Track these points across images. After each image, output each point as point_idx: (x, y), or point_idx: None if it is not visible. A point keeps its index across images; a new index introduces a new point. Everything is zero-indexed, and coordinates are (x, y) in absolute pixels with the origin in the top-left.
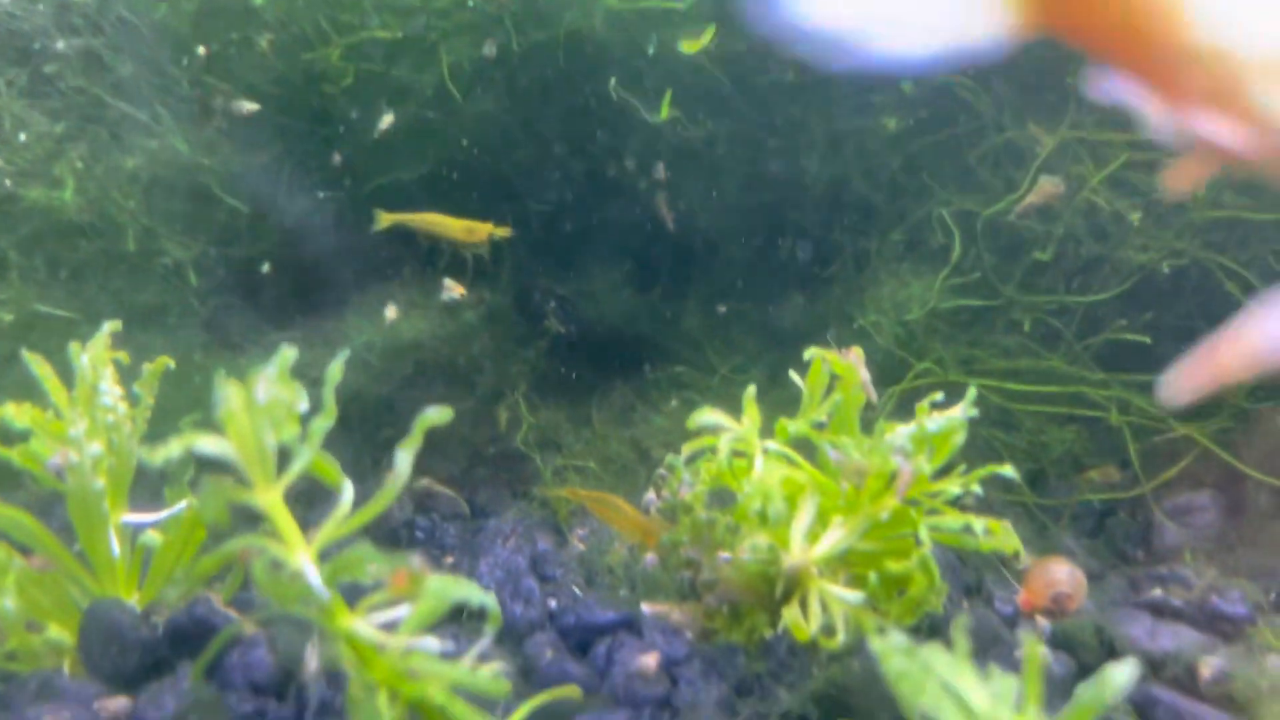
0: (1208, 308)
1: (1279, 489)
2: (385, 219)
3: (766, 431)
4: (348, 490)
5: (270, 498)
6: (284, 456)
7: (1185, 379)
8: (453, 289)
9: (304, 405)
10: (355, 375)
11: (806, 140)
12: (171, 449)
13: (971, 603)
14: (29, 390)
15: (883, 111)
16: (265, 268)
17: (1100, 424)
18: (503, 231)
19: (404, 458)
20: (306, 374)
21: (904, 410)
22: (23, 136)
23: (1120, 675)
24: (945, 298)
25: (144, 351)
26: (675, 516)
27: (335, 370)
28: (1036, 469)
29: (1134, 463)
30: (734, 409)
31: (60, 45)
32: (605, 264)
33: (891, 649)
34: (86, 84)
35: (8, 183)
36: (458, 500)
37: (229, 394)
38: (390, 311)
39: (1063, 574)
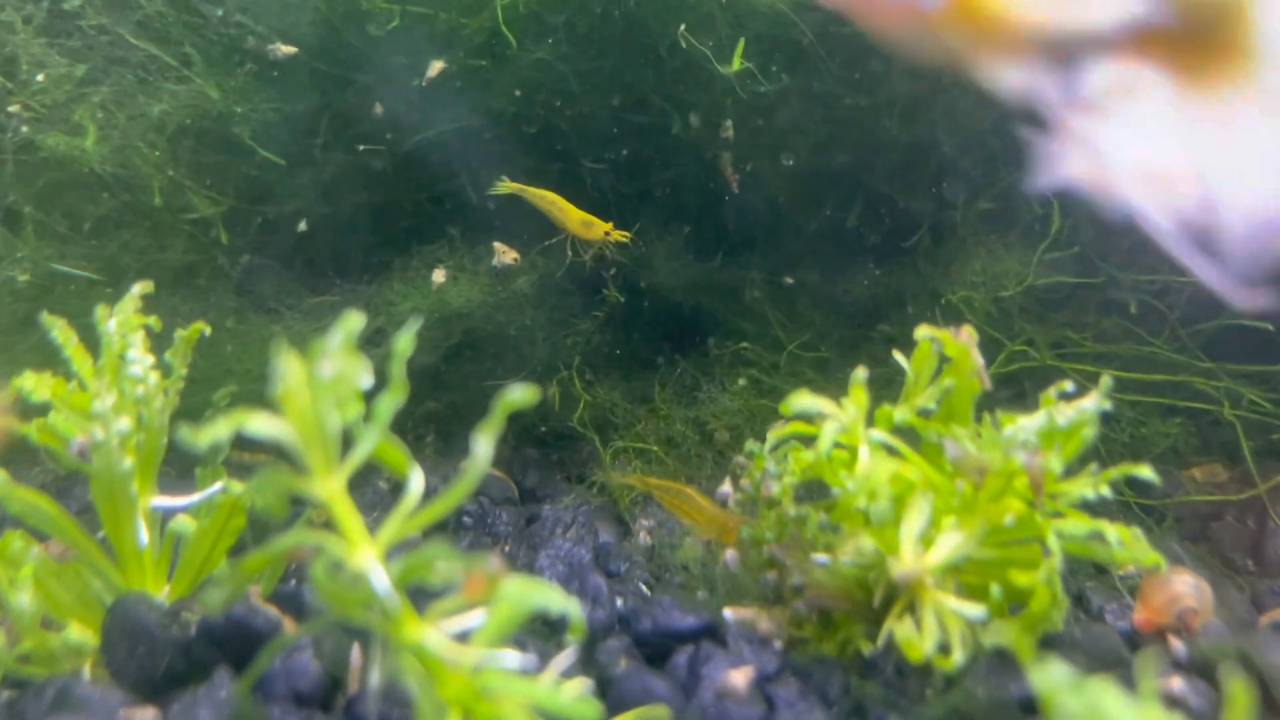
0: None
1: None
2: (507, 185)
3: (869, 420)
4: (416, 479)
5: (332, 487)
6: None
7: None
8: (505, 254)
9: (369, 379)
10: (420, 324)
11: (889, 97)
12: (218, 430)
13: (1082, 616)
14: (47, 358)
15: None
16: (301, 226)
17: (1207, 418)
18: (621, 236)
19: (483, 445)
20: None
21: (994, 396)
22: (40, 78)
23: None
24: (1040, 274)
25: (171, 316)
26: (755, 510)
27: (405, 342)
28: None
29: (1248, 461)
30: (802, 388)
31: None
32: (665, 229)
33: (1058, 684)
34: (110, 22)
35: (24, 129)
36: (507, 483)
37: (289, 368)
38: (438, 275)
39: (1187, 587)
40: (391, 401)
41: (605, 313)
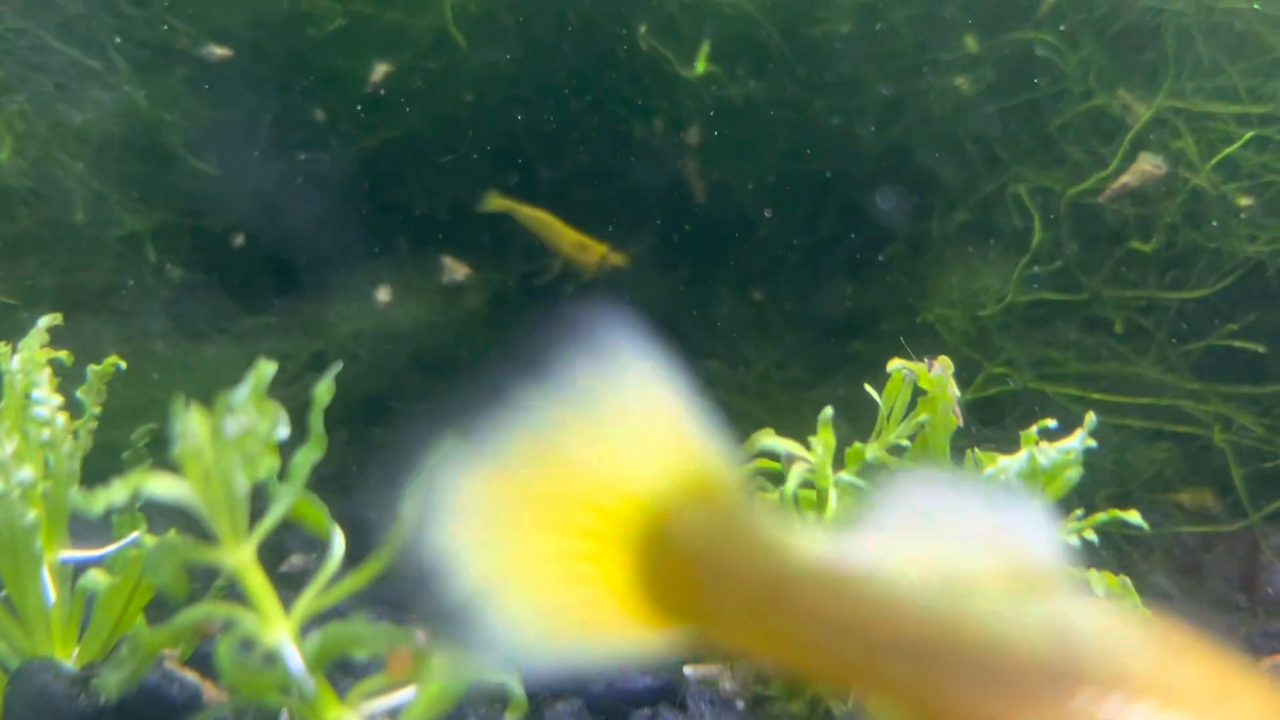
0: None
1: None
2: (495, 202)
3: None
4: (337, 543)
5: (241, 556)
6: (259, 494)
7: None
8: (455, 269)
9: (284, 431)
10: (341, 368)
11: (861, 103)
12: (114, 494)
13: None
14: None
15: (950, 71)
16: (237, 240)
17: (1196, 443)
18: (616, 259)
19: (411, 509)
20: (284, 369)
21: (971, 420)
22: None
23: None
24: (1021, 290)
25: (94, 342)
26: None
27: (323, 391)
28: (1121, 492)
29: (1239, 490)
30: (772, 410)
31: None
32: (627, 240)
33: None
34: (29, 24)
35: None
36: None
37: (189, 428)
38: (382, 294)
39: None
40: (310, 456)
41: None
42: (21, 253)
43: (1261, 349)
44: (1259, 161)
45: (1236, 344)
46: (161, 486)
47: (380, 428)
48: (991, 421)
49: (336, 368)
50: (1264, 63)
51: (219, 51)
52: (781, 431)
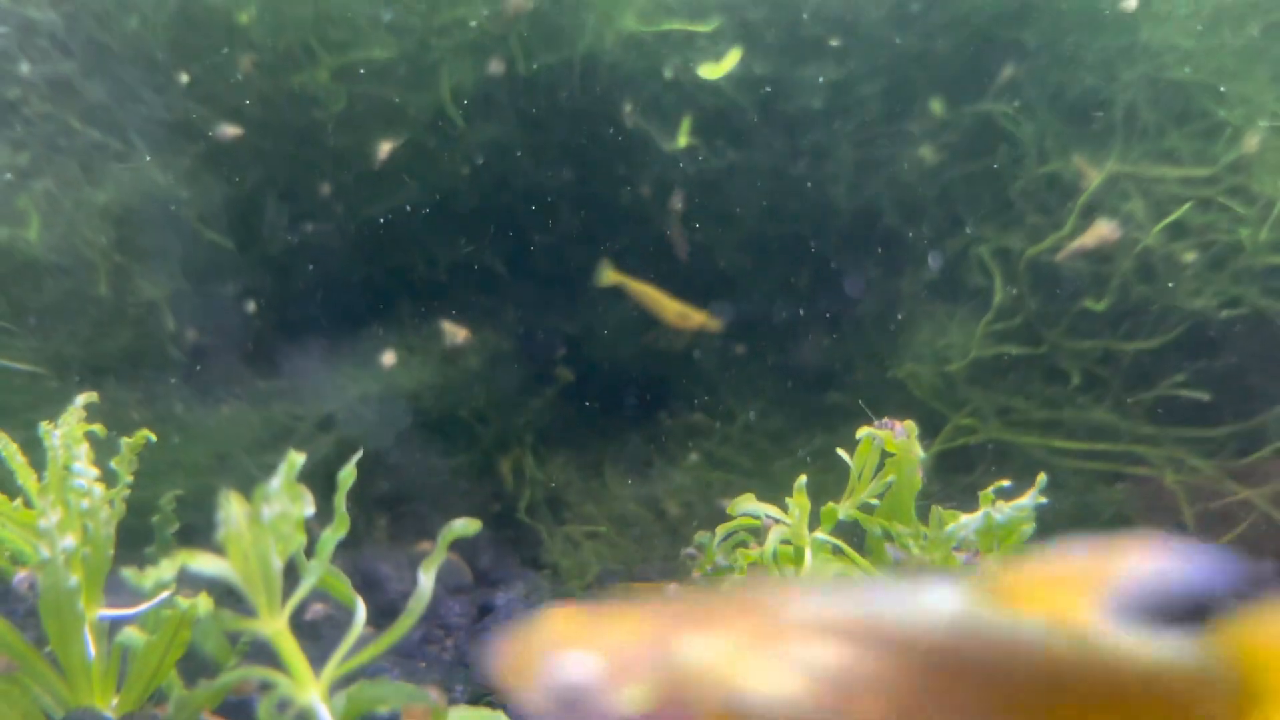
0: (1265, 359)
1: None
2: (610, 275)
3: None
4: (360, 612)
5: (276, 625)
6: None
7: None
8: (454, 333)
9: (310, 510)
10: (349, 428)
11: (833, 170)
12: (163, 571)
13: None
14: None
15: (915, 140)
16: (250, 307)
17: (1152, 484)
18: (714, 324)
19: (426, 580)
20: (296, 430)
21: (941, 468)
22: None
23: None
24: (985, 344)
25: (118, 406)
26: None
27: (347, 475)
28: (1083, 532)
29: (1189, 527)
30: (755, 460)
31: (25, 69)
32: (616, 301)
33: None
34: (54, 110)
35: None
36: (461, 567)
37: (231, 514)
38: (387, 358)
39: None
40: (335, 536)
41: (556, 389)
42: (49, 323)
43: (1206, 396)
44: (1203, 221)
45: (1183, 392)
46: (206, 564)
47: (386, 482)
48: (962, 469)
49: (358, 454)
50: (1205, 128)
51: (231, 131)
52: (764, 477)
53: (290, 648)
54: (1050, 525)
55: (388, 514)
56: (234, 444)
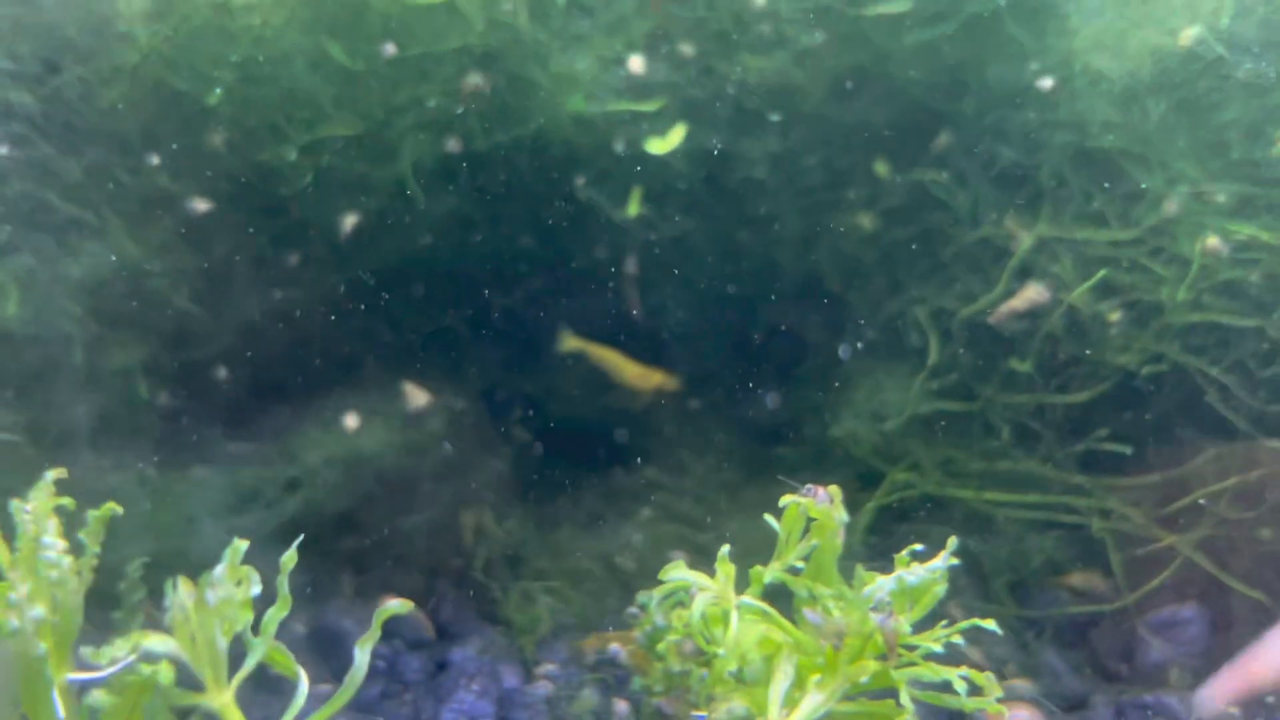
0: (1188, 410)
1: (1264, 603)
2: (571, 342)
3: (741, 577)
4: (302, 684)
5: (222, 700)
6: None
7: (1221, 690)
8: (415, 395)
9: (256, 589)
10: (313, 490)
11: (777, 236)
12: (117, 650)
13: None
14: None
15: (856, 207)
16: (221, 373)
17: (1083, 530)
18: (672, 384)
19: (362, 657)
20: (262, 493)
21: (881, 521)
22: None
23: None
24: (922, 400)
25: (91, 471)
26: (647, 659)
27: (289, 559)
28: (1017, 578)
29: (1116, 572)
30: (707, 511)
31: (4, 150)
32: (572, 362)
33: None
34: (32, 188)
35: None
36: (421, 622)
37: (179, 598)
38: (350, 421)
39: None
40: (278, 615)
41: (515, 448)
42: (26, 392)
43: (1128, 450)
44: (1128, 281)
45: (1109, 445)
46: (156, 644)
47: (349, 540)
48: (901, 518)
49: (298, 540)
50: (1128, 191)
51: (201, 205)
52: (714, 530)
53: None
54: (983, 572)
55: (351, 570)
56: (202, 507)
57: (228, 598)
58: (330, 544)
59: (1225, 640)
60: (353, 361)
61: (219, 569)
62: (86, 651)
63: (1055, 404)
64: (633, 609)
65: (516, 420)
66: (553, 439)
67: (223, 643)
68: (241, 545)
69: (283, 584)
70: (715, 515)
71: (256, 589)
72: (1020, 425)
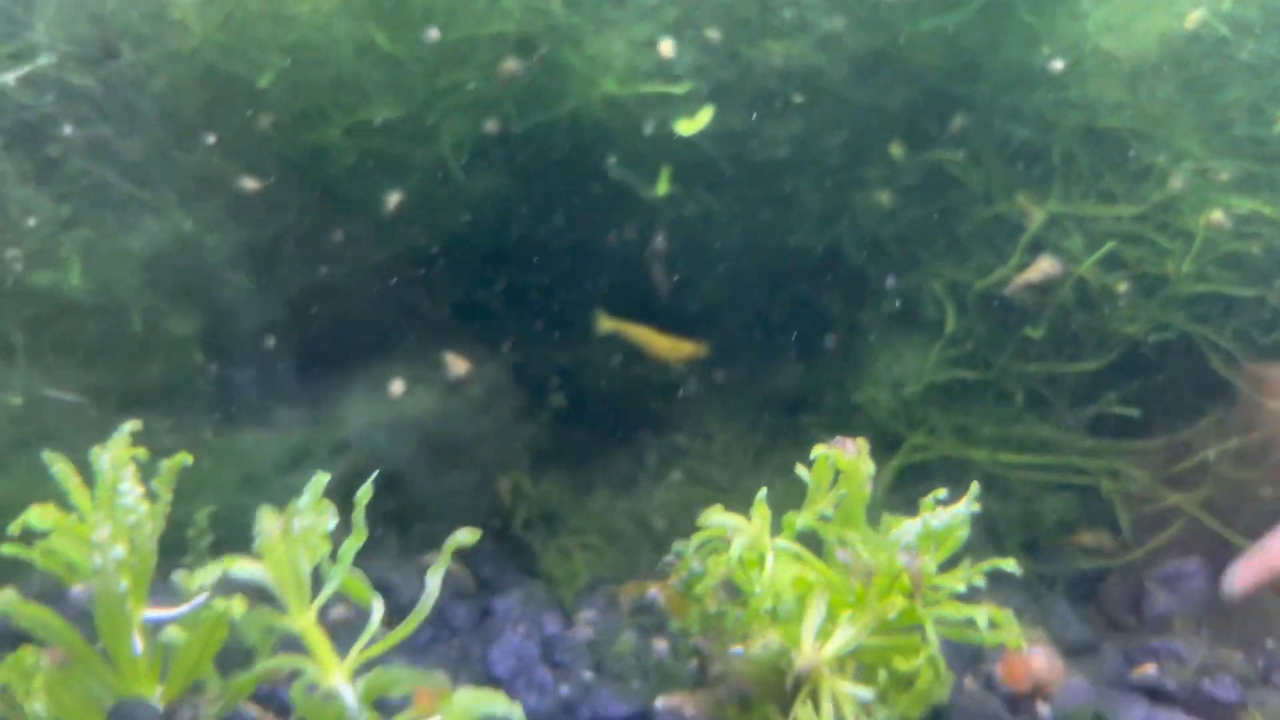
0: (1192, 378)
1: None
2: (606, 323)
3: (775, 524)
4: (377, 610)
5: (305, 622)
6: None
7: (1243, 572)
8: (456, 364)
9: (333, 522)
10: (360, 453)
11: (800, 213)
12: (209, 573)
13: (974, 684)
14: (40, 476)
15: (875, 185)
16: (270, 342)
17: (1092, 491)
18: (701, 356)
19: (434, 581)
20: (314, 454)
21: (900, 483)
22: (31, 221)
23: None
24: (939, 369)
25: (152, 434)
26: (684, 603)
27: (364, 493)
28: (1030, 537)
29: (1125, 530)
30: (734, 476)
31: (68, 130)
32: (606, 337)
33: None
34: (92, 166)
35: (17, 267)
36: (465, 576)
37: (268, 526)
38: (396, 387)
39: (1040, 661)
40: (354, 545)
41: (551, 414)
42: (90, 359)
43: (1136, 413)
44: (1134, 255)
45: (1117, 410)
46: (245, 569)
47: (396, 500)
48: (921, 481)
49: (375, 475)
50: (1136, 170)
51: (251, 184)
52: (740, 493)
53: (318, 639)
54: (999, 531)
55: (397, 529)
56: (258, 466)
57: (310, 526)
58: (376, 504)
59: None
60: (396, 333)
61: (304, 498)
62: (178, 576)
63: (1066, 372)
64: (669, 557)
65: (552, 389)
66: (586, 407)
67: (306, 568)
68: (323, 478)
69: (359, 517)
70: (742, 478)
71: (334, 522)
72: (1033, 392)
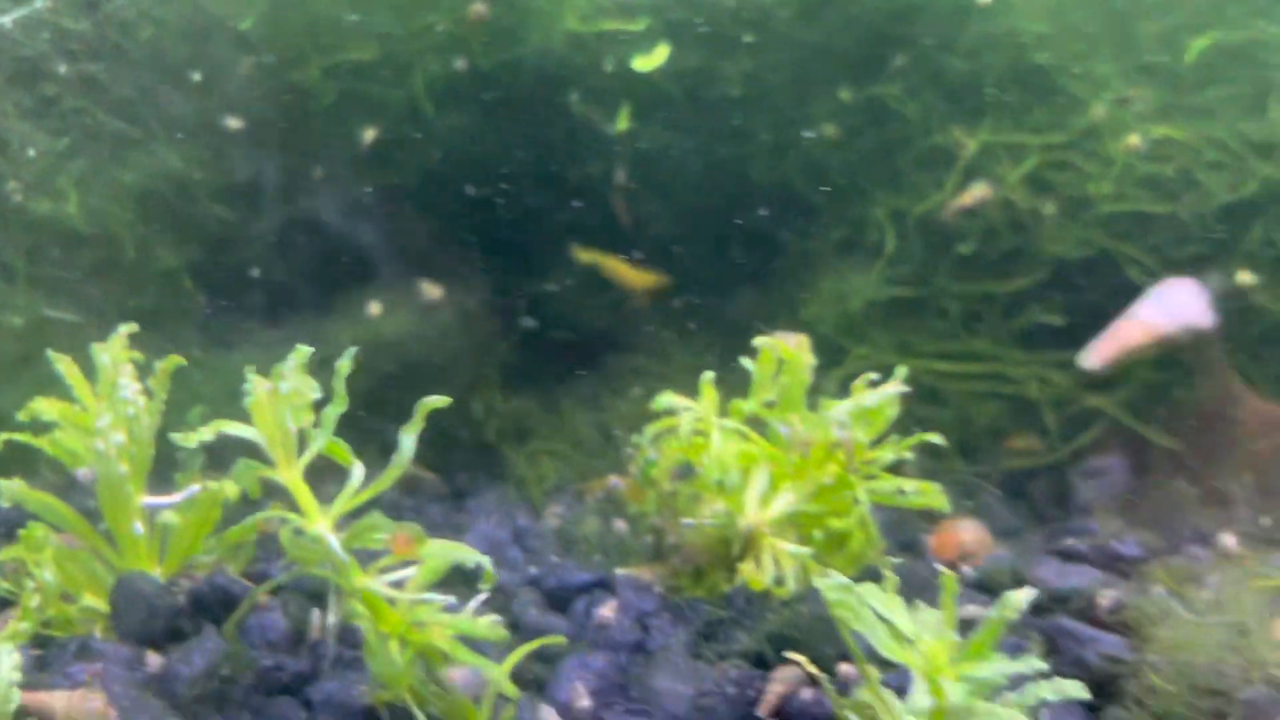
0: (1115, 291)
1: (1176, 451)
2: (583, 255)
3: (724, 413)
4: (358, 469)
5: (292, 476)
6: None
7: (1098, 350)
8: (430, 291)
9: (316, 394)
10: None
11: (752, 147)
12: (204, 433)
13: (907, 557)
14: (44, 388)
15: (821, 120)
16: (254, 271)
17: (1022, 398)
18: (664, 284)
19: (408, 440)
20: None
21: (845, 393)
22: (31, 153)
23: (1017, 597)
24: (881, 289)
25: (146, 352)
26: (642, 489)
27: (345, 364)
28: (965, 440)
29: (1051, 432)
30: (692, 394)
31: (62, 69)
32: (570, 264)
33: (832, 585)
34: (86, 104)
35: (17, 197)
36: (440, 484)
37: (257, 385)
38: (373, 308)
39: (967, 532)
40: (336, 410)
41: (519, 337)
42: (87, 283)
43: (1060, 321)
44: (1060, 179)
45: (1043, 319)
46: (236, 429)
47: (371, 415)
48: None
49: (353, 349)
50: (1062, 102)
51: (234, 122)
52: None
53: (304, 492)
54: (937, 430)
55: (376, 443)
56: (244, 380)
57: (296, 388)
58: (355, 419)
59: (1142, 484)
60: (373, 261)
61: (289, 361)
62: (177, 436)
63: (997, 291)
64: (629, 449)
65: (522, 313)
66: (553, 330)
67: (293, 427)
68: (306, 350)
69: (338, 385)
70: (697, 394)
71: (318, 393)
72: (968, 309)
